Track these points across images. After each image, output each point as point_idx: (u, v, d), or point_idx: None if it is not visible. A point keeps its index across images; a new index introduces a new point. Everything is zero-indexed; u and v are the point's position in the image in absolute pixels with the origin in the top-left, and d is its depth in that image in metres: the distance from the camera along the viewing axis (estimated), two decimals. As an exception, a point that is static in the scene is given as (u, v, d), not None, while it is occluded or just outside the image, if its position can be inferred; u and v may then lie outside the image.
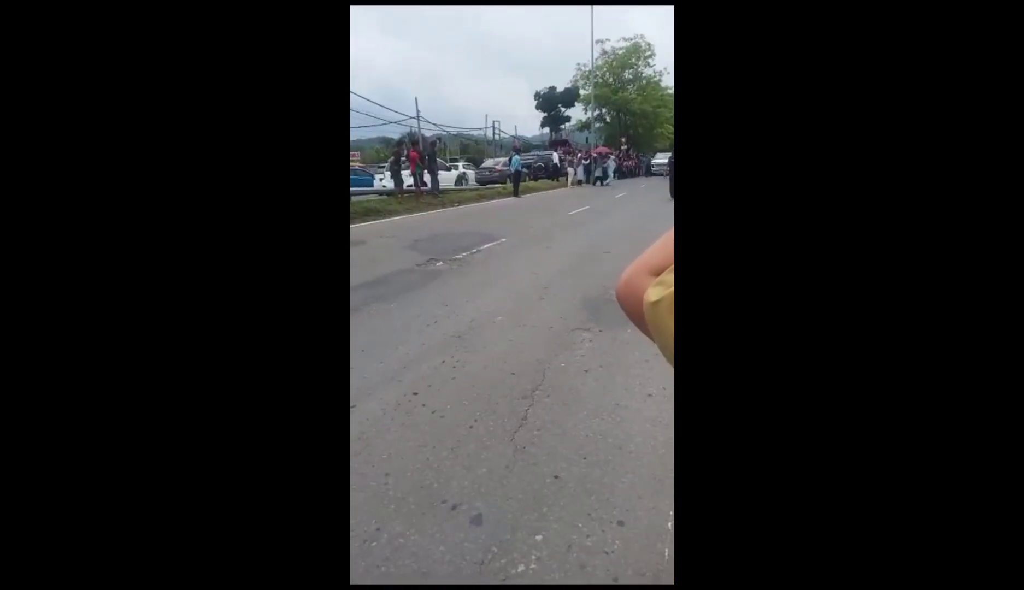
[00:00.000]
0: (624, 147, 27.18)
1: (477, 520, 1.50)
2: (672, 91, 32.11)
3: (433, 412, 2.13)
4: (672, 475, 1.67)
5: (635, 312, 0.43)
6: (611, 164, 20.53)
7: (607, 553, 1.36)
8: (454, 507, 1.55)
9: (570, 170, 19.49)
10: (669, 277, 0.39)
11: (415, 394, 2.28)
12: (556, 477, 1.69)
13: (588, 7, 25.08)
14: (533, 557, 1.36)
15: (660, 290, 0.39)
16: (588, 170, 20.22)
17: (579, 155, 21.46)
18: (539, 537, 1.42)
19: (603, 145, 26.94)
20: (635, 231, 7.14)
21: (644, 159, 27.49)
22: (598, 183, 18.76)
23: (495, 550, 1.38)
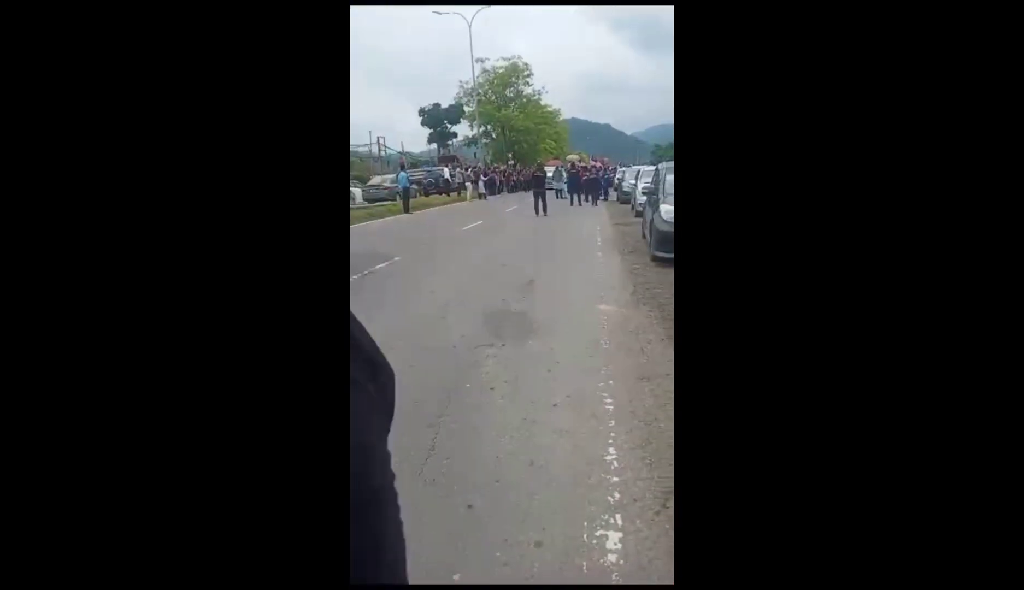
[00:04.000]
0: (511, 162, 28.14)
1: (388, 570, 1.38)
2: (550, 108, 34.42)
3: (330, 456, 1.95)
4: (581, 484, 1.71)
5: None
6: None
7: (527, 578, 1.34)
8: (361, 560, 1.42)
9: (469, 185, 19.47)
10: None
11: (308, 438, 2.07)
12: (469, 507, 1.63)
13: (466, 24, 25.71)
14: (452, 599, 1.28)
15: None
16: (492, 184, 20.08)
17: (472, 169, 21.67)
18: (457, 576, 1.35)
19: (492, 161, 27.53)
20: (526, 243, 7.36)
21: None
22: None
23: (410, 600, 1.28)
